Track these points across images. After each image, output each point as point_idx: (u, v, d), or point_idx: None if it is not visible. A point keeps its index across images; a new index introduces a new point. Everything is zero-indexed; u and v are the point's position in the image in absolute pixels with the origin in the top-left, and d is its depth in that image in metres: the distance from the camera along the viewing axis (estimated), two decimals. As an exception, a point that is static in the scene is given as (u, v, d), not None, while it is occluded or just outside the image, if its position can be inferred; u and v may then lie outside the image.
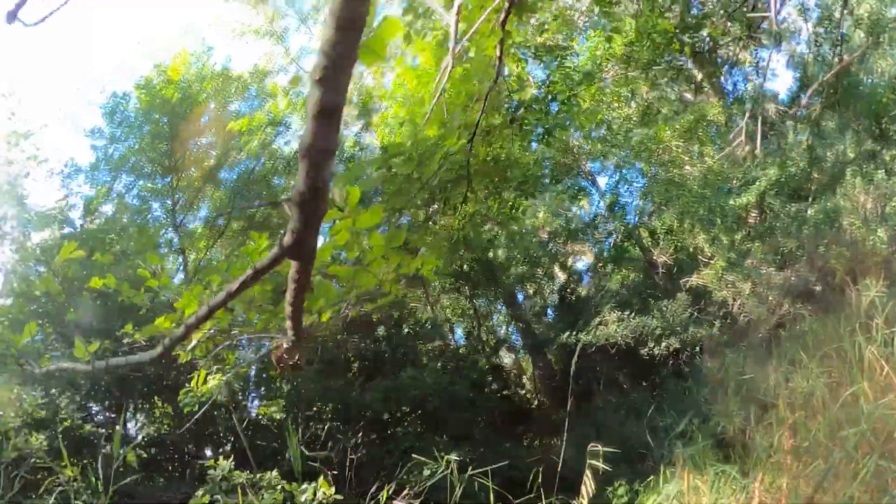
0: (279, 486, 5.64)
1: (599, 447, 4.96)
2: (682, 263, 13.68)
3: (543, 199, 15.83)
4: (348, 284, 3.82)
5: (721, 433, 6.48)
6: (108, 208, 15.38)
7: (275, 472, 5.84)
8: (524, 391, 16.66)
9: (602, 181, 16.68)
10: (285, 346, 3.64)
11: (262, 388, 9.89)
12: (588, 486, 4.96)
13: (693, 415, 7.05)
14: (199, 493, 5.80)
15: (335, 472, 6.69)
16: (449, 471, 5.34)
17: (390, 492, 5.28)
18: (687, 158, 13.32)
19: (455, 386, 10.77)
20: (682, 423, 6.88)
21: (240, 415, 7.98)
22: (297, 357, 4.37)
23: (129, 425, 9.46)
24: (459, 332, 18.06)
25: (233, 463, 6.13)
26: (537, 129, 8.47)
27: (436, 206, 8.69)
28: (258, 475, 5.78)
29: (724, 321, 11.68)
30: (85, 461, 7.59)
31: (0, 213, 20.33)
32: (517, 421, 13.56)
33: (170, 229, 15.71)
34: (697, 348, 11.45)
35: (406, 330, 12.52)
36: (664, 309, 12.17)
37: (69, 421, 8.24)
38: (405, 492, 5.29)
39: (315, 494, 5.42)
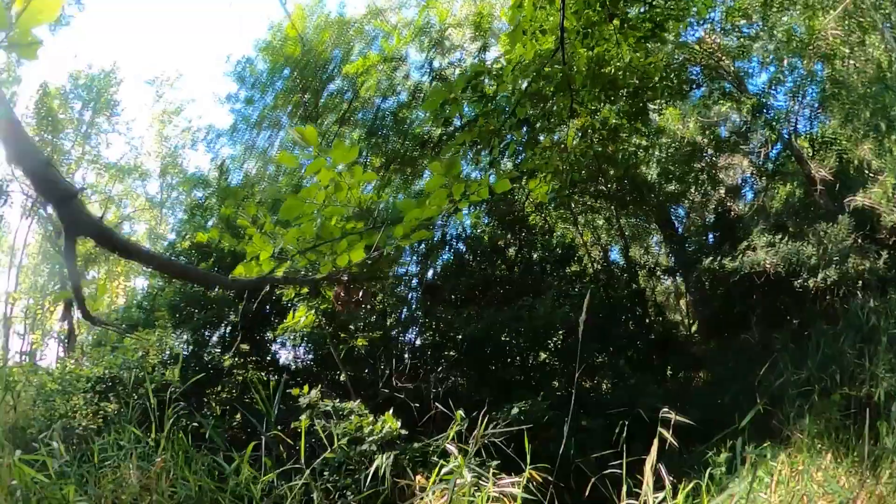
0: (352, 417, 5.60)
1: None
2: (845, 179, 11.54)
3: (686, 106, 14.30)
4: (408, 216, 3.54)
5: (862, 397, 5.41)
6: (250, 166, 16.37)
7: (357, 402, 5.86)
8: (674, 319, 15.45)
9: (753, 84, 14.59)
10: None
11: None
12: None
13: (833, 370, 5.97)
14: (302, 417, 6.03)
15: (417, 405, 6.56)
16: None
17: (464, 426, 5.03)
18: (847, 51, 11.02)
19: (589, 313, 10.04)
20: (816, 378, 5.84)
21: (346, 347, 8.11)
22: (356, 296, 4.15)
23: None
24: (609, 254, 17.07)
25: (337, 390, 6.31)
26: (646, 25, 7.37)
27: (538, 125, 7.99)
28: (342, 404, 5.83)
29: (892, 252, 9.79)
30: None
31: (168, 181, 22.71)
32: (660, 352, 12.53)
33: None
34: (859, 283, 9.67)
35: (536, 255, 11.81)
36: (822, 234, 10.37)
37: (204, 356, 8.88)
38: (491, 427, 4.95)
39: (382, 427, 5.27)
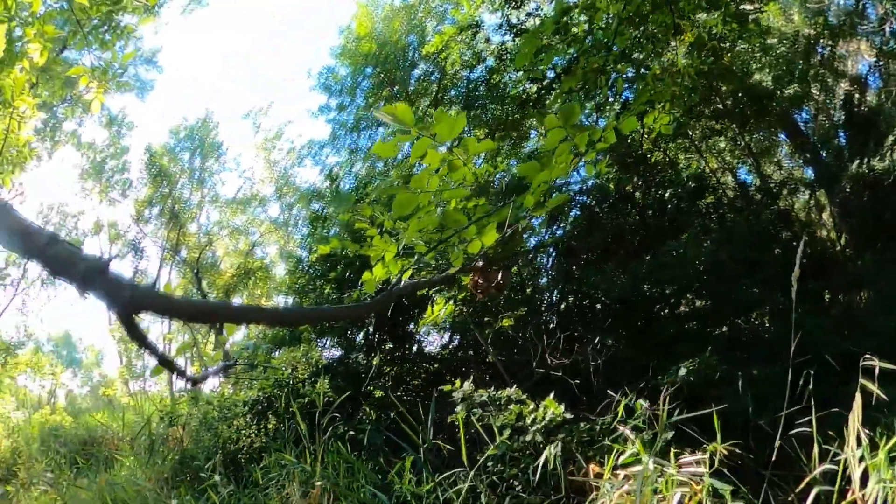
0: (510, 406, 5.16)
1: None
2: None
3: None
4: (535, 181, 3.10)
5: None
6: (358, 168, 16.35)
7: (513, 389, 5.41)
8: (822, 236, 13.75)
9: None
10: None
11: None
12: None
13: None
14: (458, 408, 5.73)
15: (577, 382, 5.99)
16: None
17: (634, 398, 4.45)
18: None
19: (728, 248, 8.92)
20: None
21: (491, 330, 7.66)
22: (495, 280, 3.86)
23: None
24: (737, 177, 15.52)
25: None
26: None
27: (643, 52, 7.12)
28: (498, 392, 5.42)
29: None
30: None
31: (286, 201, 23.51)
32: (813, 275, 11.12)
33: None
34: None
35: (667, 194, 10.75)
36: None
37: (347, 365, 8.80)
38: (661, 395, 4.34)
39: (545, 414, 4.77)
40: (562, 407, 4.79)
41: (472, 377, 6.25)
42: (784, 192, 13.72)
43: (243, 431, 9.54)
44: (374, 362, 8.23)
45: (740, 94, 13.11)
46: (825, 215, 14.43)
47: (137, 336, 1.77)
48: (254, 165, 23.08)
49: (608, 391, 5.11)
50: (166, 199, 19.61)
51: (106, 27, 6.15)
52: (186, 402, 11.17)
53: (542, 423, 4.67)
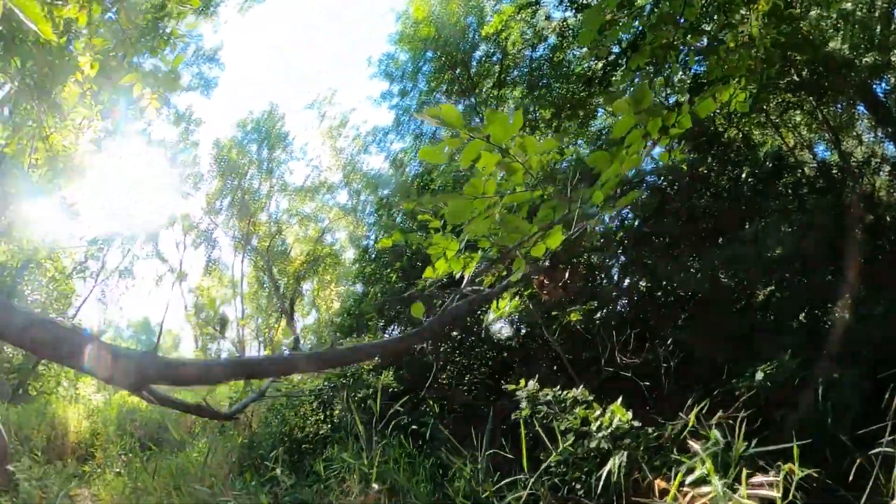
0: (576, 409, 4.82)
1: None
2: None
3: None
4: (606, 175, 2.82)
5: None
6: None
7: (580, 389, 5.04)
8: None
9: None
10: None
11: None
12: None
13: None
14: (522, 405, 5.46)
15: (647, 384, 5.56)
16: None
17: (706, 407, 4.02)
18: None
19: (811, 234, 8.13)
20: None
21: (558, 325, 7.25)
22: (560, 280, 3.75)
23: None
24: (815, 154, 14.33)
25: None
26: None
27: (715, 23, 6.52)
28: (563, 393, 5.08)
29: None
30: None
31: (354, 187, 23.58)
32: None
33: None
34: None
35: (744, 173, 9.88)
36: None
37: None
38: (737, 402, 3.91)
39: (611, 421, 4.41)
40: (629, 413, 4.42)
41: (537, 374, 5.92)
42: (868, 170, 12.63)
43: (309, 419, 9.52)
44: (441, 350, 7.97)
45: (815, 65, 12.12)
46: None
47: (158, 399, 1.60)
48: (320, 154, 23.25)
49: (679, 394, 4.72)
50: (235, 190, 20.00)
51: (152, 35, 6.12)
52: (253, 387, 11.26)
53: (609, 430, 4.34)
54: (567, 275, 4.16)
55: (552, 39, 13.51)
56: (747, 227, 7.60)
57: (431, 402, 7.32)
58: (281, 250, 22.11)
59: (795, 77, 12.34)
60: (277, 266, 21.16)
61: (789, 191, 10.69)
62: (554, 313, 6.64)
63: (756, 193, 9.63)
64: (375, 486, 5.13)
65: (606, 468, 4.06)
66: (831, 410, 4.79)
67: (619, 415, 4.37)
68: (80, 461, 12.69)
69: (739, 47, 6.77)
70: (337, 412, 8.75)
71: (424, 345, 8.36)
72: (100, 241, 17.90)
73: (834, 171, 12.08)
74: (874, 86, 13.19)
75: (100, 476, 9.81)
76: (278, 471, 6.32)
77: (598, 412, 4.61)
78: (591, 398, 4.90)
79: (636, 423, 4.36)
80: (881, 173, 13.78)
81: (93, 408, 15.99)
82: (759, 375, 4.96)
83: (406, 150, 16.46)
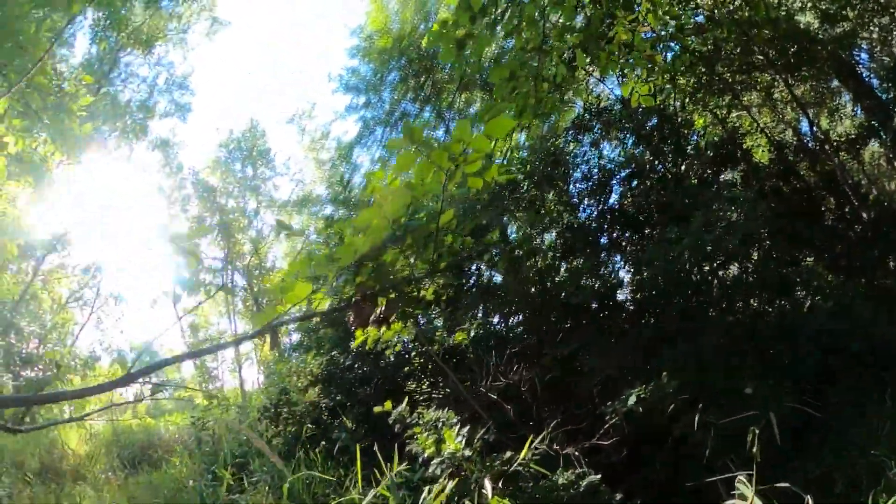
0: (426, 435, 4.51)
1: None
2: None
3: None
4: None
5: None
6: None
7: (444, 412, 4.74)
8: (889, 190, 11.92)
9: None
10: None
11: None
12: None
13: None
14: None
15: (509, 408, 5.23)
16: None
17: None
18: None
19: (753, 223, 7.46)
20: None
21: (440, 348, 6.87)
22: (369, 314, 3.73)
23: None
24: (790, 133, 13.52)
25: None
26: None
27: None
28: (434, 413, 4.79)
29: None
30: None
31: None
32: (870, 243, 9.53)
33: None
34: None
35: (682, 165, 9.23)
36: None
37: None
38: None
39: (444, 448, 4.12)
40: (461, 442, 4.10)
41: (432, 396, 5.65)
42: (839, 146, 11.94)
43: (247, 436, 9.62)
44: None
45: (781, 41, 11.58)
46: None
47: None
48: (303, 167, 23.14)
49: (552, 416, 4.40)
50: (213, 213, 20.13)
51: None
52: (216, 408, 11.28)
53: (443, 458, 4.03)
54: (381, 309, 3.90)
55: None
56: (672, 227, 7.01)
57: (346, 419, 7.11)
58: (270, 266, 22.13)
59: (760, 56, 11.82)
60: (259, 283, 21.14)
61: (742, 177, 10.16)
62: (438, 334, 6.34)
63: (704, 182, 9.13)
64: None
65: (423, 495, 3.76)
66: (720, 443, 4.37)
67: (450, 444, 4.06)
68: (74, 482, 12.96)
69: (637, 34, 6.36)
70: (272, 430, 8.76)
71: (350, 362, 8.16)
72: (93, 268, 18.04)
73: (792, 154, 11.48)
74: (852, 57, 12.59)
75: (85, 494, 10.23)
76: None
77: (432, 439, 4.31)
78: (455, 420, 4.60)
79: (467, 454, 4.03)
80: (859, 149, 13.09)
81: (94, 431, 16.18)
82: (632, 399, 4.55)
83: (359, 169, 16.20)
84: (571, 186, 8.57)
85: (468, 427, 4.72)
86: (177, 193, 20.48)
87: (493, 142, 3.72)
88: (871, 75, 12.71)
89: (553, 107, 6.23)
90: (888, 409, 5.46)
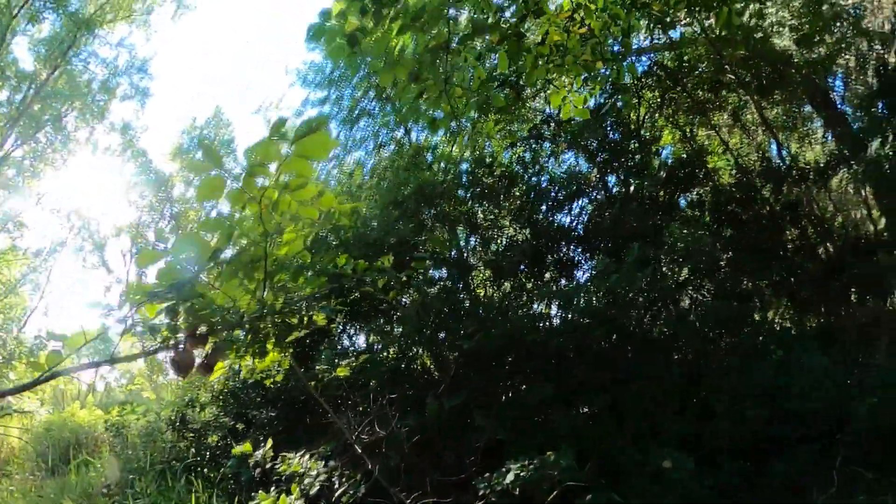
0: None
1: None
2: None
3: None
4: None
5: None
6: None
7: (307, 458, 3.79)
8: (856, 220, 10.97)
9: None
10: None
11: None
12: None
13: None
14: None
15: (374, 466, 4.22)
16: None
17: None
18: None
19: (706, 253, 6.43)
20: None
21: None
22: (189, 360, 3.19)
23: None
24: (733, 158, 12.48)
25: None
26: None
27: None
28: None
29: None
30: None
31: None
32: (836, 273, 8.60)
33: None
34: None
35: (632, 186, 8.21)
36: None
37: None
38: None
39: None
40: None
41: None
42: (807, 173, 10.98)
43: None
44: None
45: (755, 61, 10.68)
46: (864, 191, 11.55)
47: None
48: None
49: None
50: (165, 203, 18.99)
51: None
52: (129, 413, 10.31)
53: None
54: (208, 356, 3.01)
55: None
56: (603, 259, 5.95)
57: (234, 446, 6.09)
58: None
59: (731, 76, 10.90)
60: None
61: (699, 200, 9.17)
62: (320, 368, 5.29)
63: (653, 206, 8.12)
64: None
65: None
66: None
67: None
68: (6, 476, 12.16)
69: (572, 33, 5.32)
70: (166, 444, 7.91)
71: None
72: (45, 251, 16.91)
73: (758, 179, 10.47)
74: (826, 83, 11.68)
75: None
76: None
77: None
78: (318, 469, 3.62)
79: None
80: (828, 178, 12.14)
81: (26, 425, 15.07)
82: (509, 477, 3.53)
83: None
84: (510, 202, 7.52)
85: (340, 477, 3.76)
86: (135, 179, 19.31)
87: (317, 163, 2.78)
88: (844, 103, 11.83)
89: (474, 109, 5.27)
90: (831, 495, 4.47)
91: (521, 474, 3.54)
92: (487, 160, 7.29)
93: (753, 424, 5.46)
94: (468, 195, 6.86)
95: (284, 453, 4.96)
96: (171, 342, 3.44)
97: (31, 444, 13.25)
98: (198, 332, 3.49)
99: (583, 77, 5.27)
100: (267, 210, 3.13)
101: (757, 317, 6.93)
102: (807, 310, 9.43)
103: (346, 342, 6.30)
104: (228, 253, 3.52)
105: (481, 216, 7.12)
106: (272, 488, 5.09)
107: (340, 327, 6.37)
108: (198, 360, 3.57)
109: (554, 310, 6.18)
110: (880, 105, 10.49)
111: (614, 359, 5.23)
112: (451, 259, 6.68)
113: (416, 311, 5.53)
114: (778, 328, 7.66)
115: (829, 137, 12.45)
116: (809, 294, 9.01)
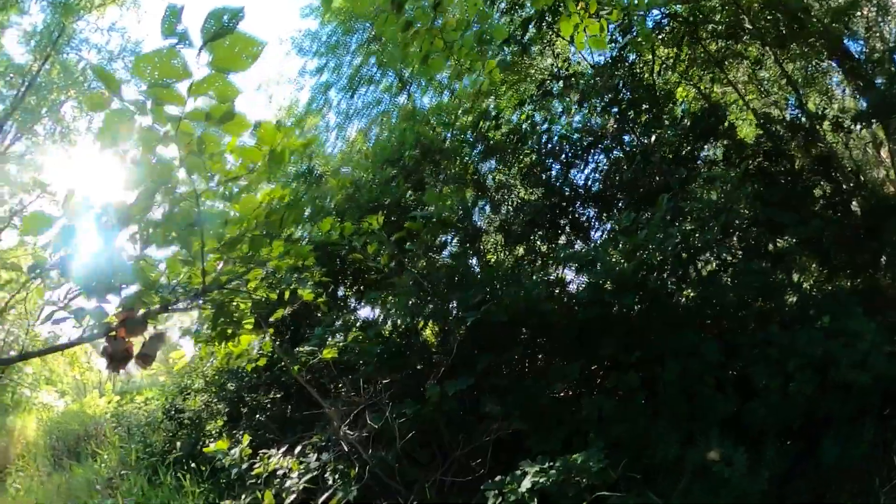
0: None
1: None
2: None
3: None
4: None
5: None
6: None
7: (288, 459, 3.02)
8: (878, 179, 9.96)
9: None
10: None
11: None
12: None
13: None
14: None
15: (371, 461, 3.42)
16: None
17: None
18: None
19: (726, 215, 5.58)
20: None
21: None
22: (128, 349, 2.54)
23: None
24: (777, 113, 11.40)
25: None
26: None
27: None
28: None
29: None
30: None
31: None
32: (863, 235, 7.65)
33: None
34: None
35: (652, 137, 7.20)
36: None
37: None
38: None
39: None
40: None
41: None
42: (827, 128, 9.95)
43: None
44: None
45: (774, 11, 9.68)
46: (883, 153, 10.55)
47: None
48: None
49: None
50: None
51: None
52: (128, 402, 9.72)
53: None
54: (144, 345, 2.24)
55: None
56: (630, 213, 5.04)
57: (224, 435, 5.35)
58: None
59: (748, 26, 9.87)
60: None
61: (724, 156, 8.23)
62: (301, 350, 4.52)
63: (676, 159, 7.16)
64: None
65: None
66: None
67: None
68: (18, 471, 11.69)
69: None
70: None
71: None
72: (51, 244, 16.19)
73: (786, 133, 9.45)
74: (845, 38, 10.61)
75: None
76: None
77: None
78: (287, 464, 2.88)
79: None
80: (850, 133, 11.07)
81: (43, 417, 14.63)
82: (526, 483, 2.72)
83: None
84: (520, 162, 6.63)
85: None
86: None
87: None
88: (864, 59, 10.76)
89: (471, 56, 4.40)
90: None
91: (541, 480, 2.73)
92: (493, 113, 6.38)
93: (799, 400, 4.62)
94: (473, 152, 5.98)
95: (265, 450, 4.19)
96: (97, 330, 2.67)
97: (41, 438, 12.80)
98: (129, 317, 2.73)
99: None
100: (192, 149, 2.30)
101: (795, 278, 5.99)
102: (839, 271, 8.53)
103: (340, 321, 5.47)
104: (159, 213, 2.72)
105: (490, 177, 6.25)
106: (259, 485, 4.34)
107: (334, 302, 5.56)
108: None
109: (571, 276, 5.33)
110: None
111: (644, 331, 4.36)
112: (457, 222, 5.82)
113: (415, 279, 4.72)
114: (814, 292, 6.74)
115: (847, 94, 11.46)
116: (843, 255, 8.11)
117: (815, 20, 9.73)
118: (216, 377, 6.62)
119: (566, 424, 3.66)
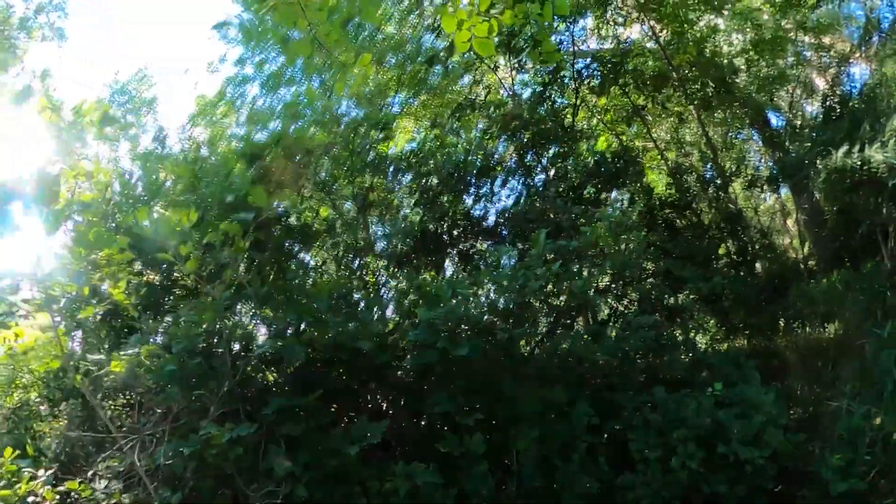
0: None
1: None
2: None
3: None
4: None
5: None
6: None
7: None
8: (781, 245, 9.73)
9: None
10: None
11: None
12: None
13: None
14: None
15: None
16: None
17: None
18: None
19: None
20: None
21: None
22: None
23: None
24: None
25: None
26: None
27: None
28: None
29: None
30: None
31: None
32: (768, 296, 7.26)
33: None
34: None
35: (552, 169, 6.37)
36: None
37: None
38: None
39: None
40: None
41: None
42: (741, 186, 9.71)
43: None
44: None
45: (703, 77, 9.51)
46: (790, 222, 10.43)
47: None
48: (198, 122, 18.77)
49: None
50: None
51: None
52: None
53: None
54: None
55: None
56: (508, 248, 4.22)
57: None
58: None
59: (675, 83, 9.58)
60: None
61: (630, 199, 7.67)
62: (82, 362, 3.53)
63: (579, 199, 6.46)
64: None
65: None
66: None
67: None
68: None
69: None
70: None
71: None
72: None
73: (695, 186, 9.07)
74: (767, 109, 10.52)
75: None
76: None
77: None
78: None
79: None
80: (762, 197, 10.94)
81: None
82: None
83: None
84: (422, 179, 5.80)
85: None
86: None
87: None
88: (783, 131, 10.75)
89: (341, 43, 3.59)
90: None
91: None
92: (380, 114, 5.53)
93: (682, 476, 3.89)
94: (350, 155, 5.08)
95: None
96: None
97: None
98: None
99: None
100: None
101: (691, 335, 5.36)
102: (737, 331, 8.11)
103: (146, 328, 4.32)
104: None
105: (374, 190, 5.36)
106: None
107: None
108: None
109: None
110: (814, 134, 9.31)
111: (492, 386, 3.46)
112: (327, 234, 4.87)
113: (238, 292, 3.74)
114: (709, 350, 6.16)
115: (762, 163, 11.40)
116: (742, 314, 7.69)
117: (741, 87, 9.58)
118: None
119: (371, 497, 2.73)
